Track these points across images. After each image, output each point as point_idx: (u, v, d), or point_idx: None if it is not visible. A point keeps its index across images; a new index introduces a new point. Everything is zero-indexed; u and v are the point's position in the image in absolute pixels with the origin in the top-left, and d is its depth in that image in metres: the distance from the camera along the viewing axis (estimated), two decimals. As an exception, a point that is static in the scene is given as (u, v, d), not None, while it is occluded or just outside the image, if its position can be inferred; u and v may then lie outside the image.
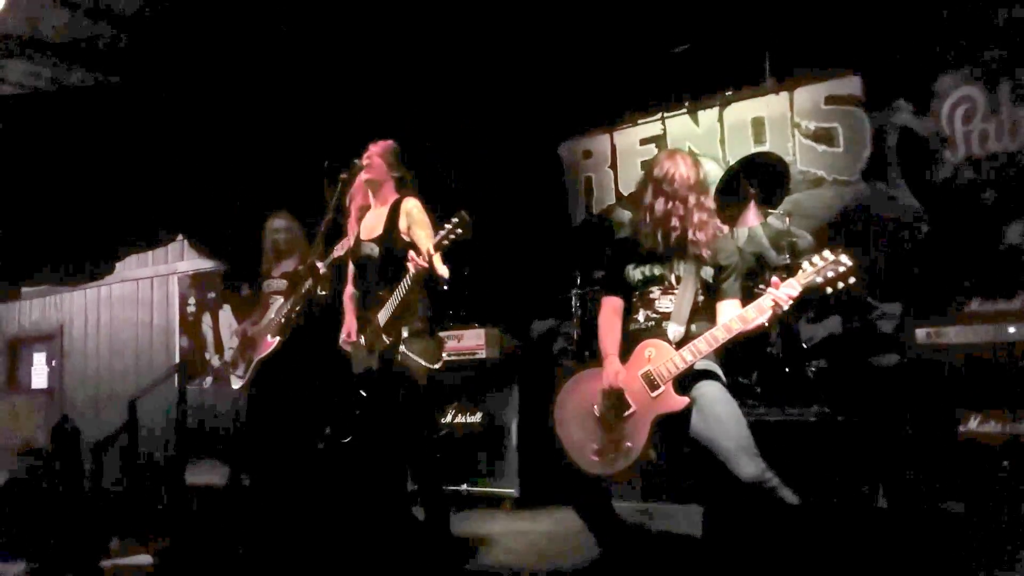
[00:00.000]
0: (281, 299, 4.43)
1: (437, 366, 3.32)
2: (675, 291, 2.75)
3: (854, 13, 4.52)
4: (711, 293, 2.76)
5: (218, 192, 6.05)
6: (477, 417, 4.64)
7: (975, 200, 4.32)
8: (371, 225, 3.51)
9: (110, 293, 8.24)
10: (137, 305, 8.03)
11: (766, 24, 4.78)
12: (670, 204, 2.75)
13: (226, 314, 7.41)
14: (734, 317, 2.59)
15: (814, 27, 4.66)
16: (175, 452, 6.80)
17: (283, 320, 4.29)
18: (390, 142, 3.57)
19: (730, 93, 5.11)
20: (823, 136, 4.84)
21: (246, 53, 5.08)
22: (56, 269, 6.73)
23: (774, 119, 5.01)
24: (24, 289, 8.14)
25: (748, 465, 2.48)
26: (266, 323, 4.45)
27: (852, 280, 2.50)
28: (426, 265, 3.07)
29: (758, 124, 5.06)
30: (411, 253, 3.13)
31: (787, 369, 4.14)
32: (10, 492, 5.48)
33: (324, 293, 4.11)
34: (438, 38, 4.98)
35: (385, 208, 3.47)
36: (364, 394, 3.41)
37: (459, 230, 2.99)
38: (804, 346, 4.34)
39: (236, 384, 4.55)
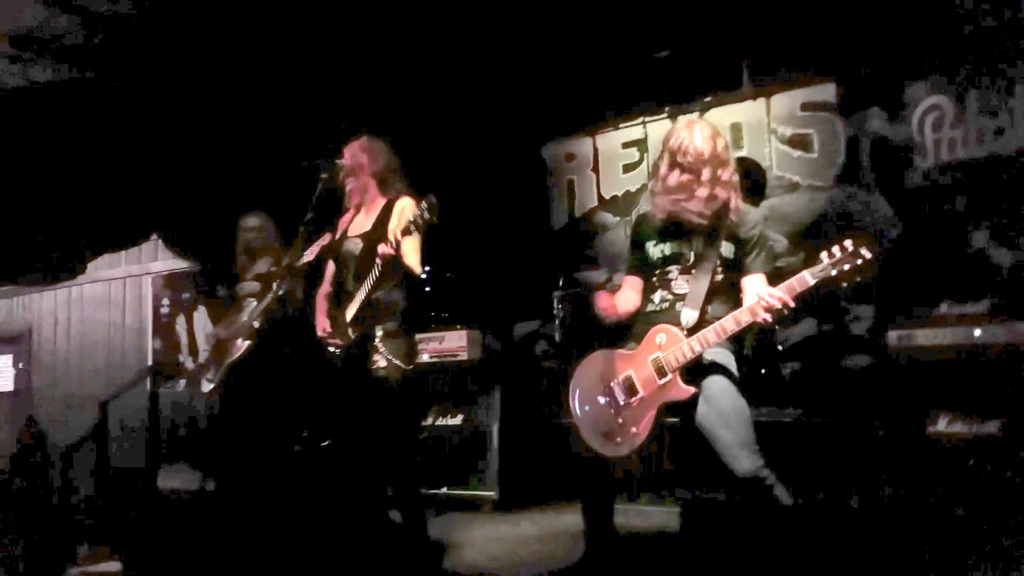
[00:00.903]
0: (254, 302, 4.32)
1: (410, 367, 3.24)
2: (693, 270, 2.68)
3: (830, 22, 4.60)
4: (734, 270, 2.70)
5: (194, 191, 5.98)
6: (458, 419, 4.64)
7: (944, 206, 4.42)
8: (360, 223, 3.44)
9: (81, 293, 8.09)
10: (109, 306, 7.89)
11: (744, 31, 4.85)
12: (684, 176, 2.66)
13: (201, 316, 7.31)
14: (744, 309, 2.53)
15: (791, 35, 4.73)
16: (146, 456, 6.69)
17: (254, 324, 4.19)
18: (360, 140, 3.48)
19: (709, 99, 5.19)
20: (799, 142, 4.92)
21: (223, 49, 5.03)
22: (25, 269, 6.60)
23: (752, 125, 5.07)
24: (-8, 289, 7.96)
25: (745, 460, 2.47)
26: (238, 326, 4.34)
27: (869, 275, 2.37)
28: (391, 252, 3.04)
29: (736, 129, 5.13)
30: (379, 247, 3.09)
31: (763, 371, 4.20)
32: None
33: (295, 301, 4.05)
34: (422, 38, 4.97)
35: (377, 207, 3.41)
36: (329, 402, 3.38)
37: (427, 215, 2.95)
38: (779, 348, 4.42)
39: (206, 388, 4.41)
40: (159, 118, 5.53)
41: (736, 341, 2.71)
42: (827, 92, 4.81)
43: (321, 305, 3.52)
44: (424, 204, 2.96)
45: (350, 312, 3.21)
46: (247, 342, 4.19)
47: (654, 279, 2.79)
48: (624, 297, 2.91)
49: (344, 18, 4.75)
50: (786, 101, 4.96)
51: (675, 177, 2.68)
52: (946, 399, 3.46)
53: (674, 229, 2.74)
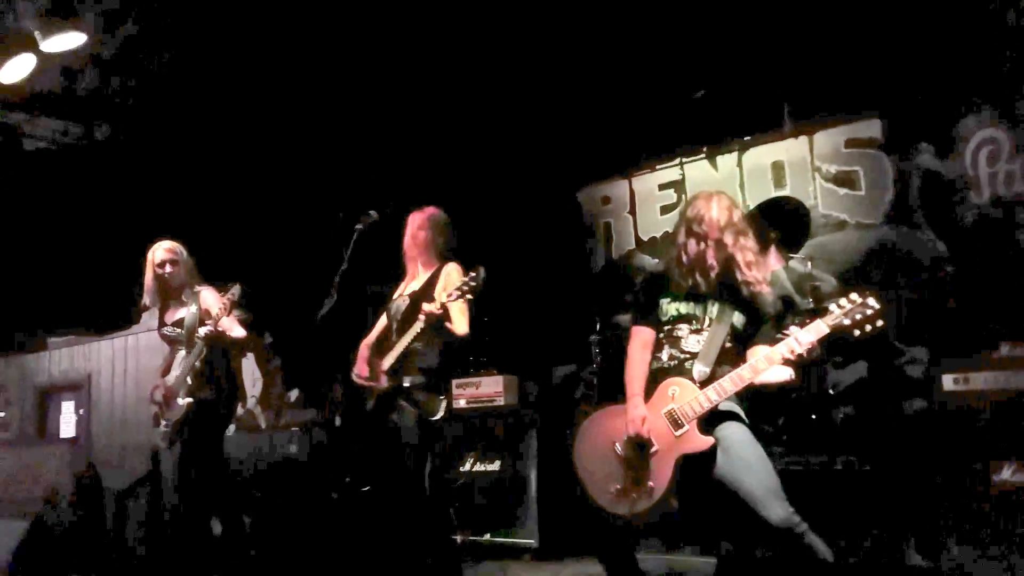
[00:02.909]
0: (183, 351, 3.98)
1: (434, 419, 3.34)
2: (705, 331, 2.70)
3: (874, 56, 4.51)
4: (741, 341, 2.70)
5: (243, 244, 6.14)
6: (496, 465, 4.58)
7: (1002, 242, 4.23)
8: (412, 285, 3.66)
9: (137, 342, 8.31)
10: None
11: (785, 68, 4.80)
12: (701, 245, 2.72)
13: (248, 362, 7.42)
14: (760, 357, 2.55)
15: (833, 71, 4.65)
16: (193, 502, 6.75)
17: (188, 379, 3.88)
18: (431, 212, 3.67)
19: (748, 139, 5.11)
20: (844, 179, 4.81)
21: (272, 109, 5.23)
22: (83, 319, 6.84)
23: (794, 163, 4.99)
24: (51, 339, 8.27)
25: (777, 509, 2.41)
26: (173, 379, 3.99)
27: (880, 324, 2.47)
28: (437, 312, 3.23)
29: (778, 168, 5.05)
30: (424, 304, 3.29)
31: (813, 416, 4.04)
32: (32, 541, 5.48)
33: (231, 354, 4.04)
34: (458, 86, 5.07)
35: (428, 271, 3.61)
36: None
37: (473, 283, 3.18)
38: (830, 392, 4.23)
39: (163, 442, 4.04)
40: (211, 175, 5.74)
41: (744, 398, 2.71)
42: (872, 128, 4.71)
43: (363, 352, 3.72)
44: (474, 273, 3.20)
45: (387, 361, 3.45)
46: (187, 399, 3.88)
47: (661, 336, 2.77)
48: (639, 356, 2.78)
49: (384, 67, 4.88)
50: (830, 138, 4.86)
51: (693, 246, 2.74)
52: (1010, 446, 3.25)
53: (691, 290, 2.75)
